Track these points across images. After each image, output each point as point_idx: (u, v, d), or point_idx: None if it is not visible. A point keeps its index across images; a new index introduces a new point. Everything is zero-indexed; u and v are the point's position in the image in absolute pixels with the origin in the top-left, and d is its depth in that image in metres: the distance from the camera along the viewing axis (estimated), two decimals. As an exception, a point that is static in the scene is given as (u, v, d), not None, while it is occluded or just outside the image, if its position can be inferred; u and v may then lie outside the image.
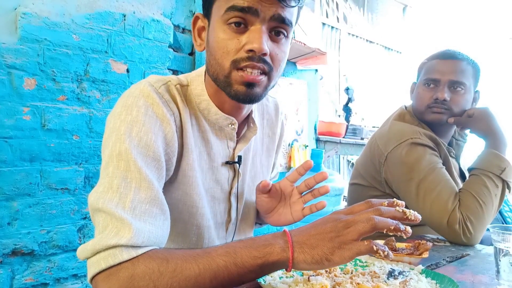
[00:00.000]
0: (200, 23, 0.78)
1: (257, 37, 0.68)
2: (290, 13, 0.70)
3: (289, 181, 0.84)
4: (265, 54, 0.69)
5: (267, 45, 0.69)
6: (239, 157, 0.86)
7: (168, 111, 0.72)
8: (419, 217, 0.60)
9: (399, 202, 0.62)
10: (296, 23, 0.76)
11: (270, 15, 0.68)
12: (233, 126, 0.81)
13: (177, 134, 0.74)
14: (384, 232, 0.57)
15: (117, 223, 0.59)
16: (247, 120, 0.87)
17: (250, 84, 0.70)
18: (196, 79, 0.81)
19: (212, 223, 0.84)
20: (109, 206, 0.60)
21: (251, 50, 0.68)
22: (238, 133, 0.85)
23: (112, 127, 0.68)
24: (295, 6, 0.71)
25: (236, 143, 0.85)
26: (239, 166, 0.86)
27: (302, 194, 0.84)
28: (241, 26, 0.69)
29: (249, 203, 0.93)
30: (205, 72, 0.81)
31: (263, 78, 0.72)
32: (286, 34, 0.72)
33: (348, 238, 0.57)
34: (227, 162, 0.84)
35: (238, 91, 0.71)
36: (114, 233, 0.58)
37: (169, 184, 0.76)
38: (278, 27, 0.70)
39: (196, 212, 0.79)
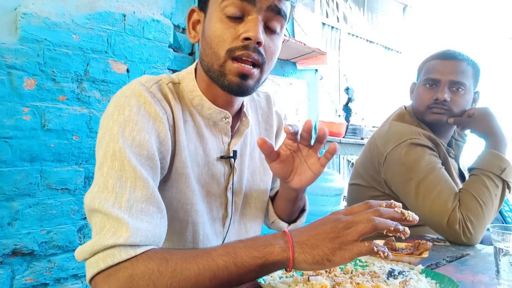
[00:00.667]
0: (195, 16, 0.80)
1: (253, 26, 0.70)
2: (285, 6, 0.73)
3: (290, 140, 0.79)
4: (260, 44, 0.71)
5: (262, 36, 0.71)
6: (234, 152, 0.86)
7: (160, 110, 0.72)
8: (417, 218, 0.61)
9: (397, 203, 0.62)
10: (288, 20, 0.78)
11: (267, 5, 0.71)
12: (227, 120, 0.82)
13: (170, 133, 0.74)
14: (384, 233, 0.57)
15: (114, 223, 0.59)
16: (240, 114, 0.87)
17: (244, 76, 0.72)
18: (187, 76, 0.82)
19: (207, 218, 0.84)
20: (105, 206, 0.60)
21: (247, 39, 0.70)
22: (232, 128, 0.86)
23: (105, 128, 0.68)
24: (289, 1, 0.74)
25: (231, 138, 0.86)
26: (234, 161, 0.86)
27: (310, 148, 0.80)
28: (238, 16, 0.71)
29: (250, 199, 0.93)
30: (195, 69, 0.82)
31: (256, 71, 0.73)
32: (279, 29, 0.75)
33: (349, 239, 0.57)
34: (222, 157, 0.84)
35: (232, 81, 0.72)
36: (111, 233, 0.58)
37: (163, 183, 0.76)
38: (273, 19, 0.73)
39: (191, 209, 0.79)
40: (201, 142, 0.81)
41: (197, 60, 0.83)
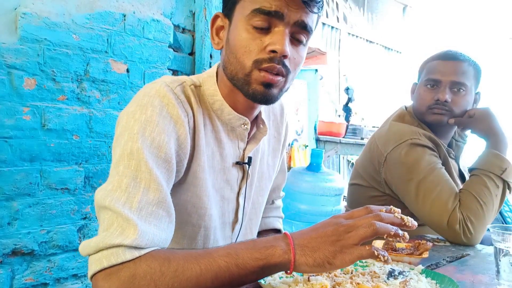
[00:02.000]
0: (219, 22, 0.79)
1: (280, 39, 0.69)
2: (311, 20, 0.73)
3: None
4: (285, 57, 0.70)
5: (288, 49, 0.70)
6: (249, 158, 0.86)
7: (182, 112, 0.72)
8: (416, 224, 0.62)
9: (396, 209, 0.63)
10: (314, 30, 0.77)
11: (295, 20, 0.70)
12: (245, 126, 0.82)
13: (190, 136, 0.74)
14: (384, 237, 0.59)
15: (122, 222, 0.59)
16: (256, 121, 0.87)
17: (268, 85, 0.72)
18: (208, 80, 0.81)
19: (218, 223, 0.84)
20: (116, 205, 0.60)
21: (273, 51, 0.69)
22: (248, 134, 0.85)
23: (125, 126, 0.68)
24: (317, 13, 0.73)
25: (246, 144, 0.86)
26: (249, 167, 0.86)
27: None
28: (265, 28, 0.70)
29: (256, 204, 0.94)
30: (216, 73, 0.81)
31: (281, 79, 0.73)
32: (305, 40, 0.74)
33: (349, 242, 0.57)
34: (237, 163, 0.84)
35: (257, 90, 0.72)
36: (119, 232, 0.58)
37: (178, 186, 0.75)
38: (299, 32, 0.72)
39: (205, 214, 0.80)
40: (218, 147, 0.81)
41: (217, 63, 0.82)
